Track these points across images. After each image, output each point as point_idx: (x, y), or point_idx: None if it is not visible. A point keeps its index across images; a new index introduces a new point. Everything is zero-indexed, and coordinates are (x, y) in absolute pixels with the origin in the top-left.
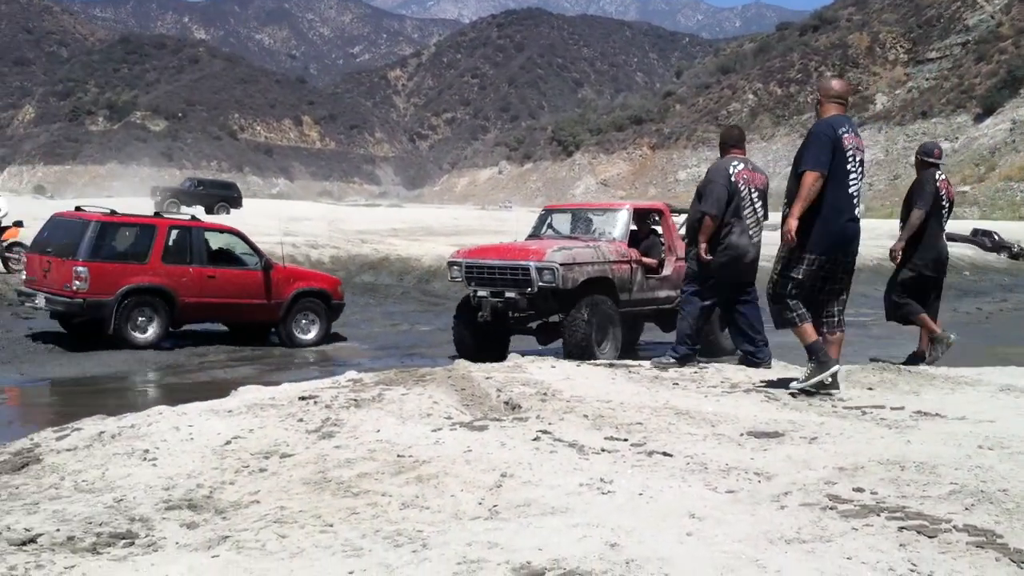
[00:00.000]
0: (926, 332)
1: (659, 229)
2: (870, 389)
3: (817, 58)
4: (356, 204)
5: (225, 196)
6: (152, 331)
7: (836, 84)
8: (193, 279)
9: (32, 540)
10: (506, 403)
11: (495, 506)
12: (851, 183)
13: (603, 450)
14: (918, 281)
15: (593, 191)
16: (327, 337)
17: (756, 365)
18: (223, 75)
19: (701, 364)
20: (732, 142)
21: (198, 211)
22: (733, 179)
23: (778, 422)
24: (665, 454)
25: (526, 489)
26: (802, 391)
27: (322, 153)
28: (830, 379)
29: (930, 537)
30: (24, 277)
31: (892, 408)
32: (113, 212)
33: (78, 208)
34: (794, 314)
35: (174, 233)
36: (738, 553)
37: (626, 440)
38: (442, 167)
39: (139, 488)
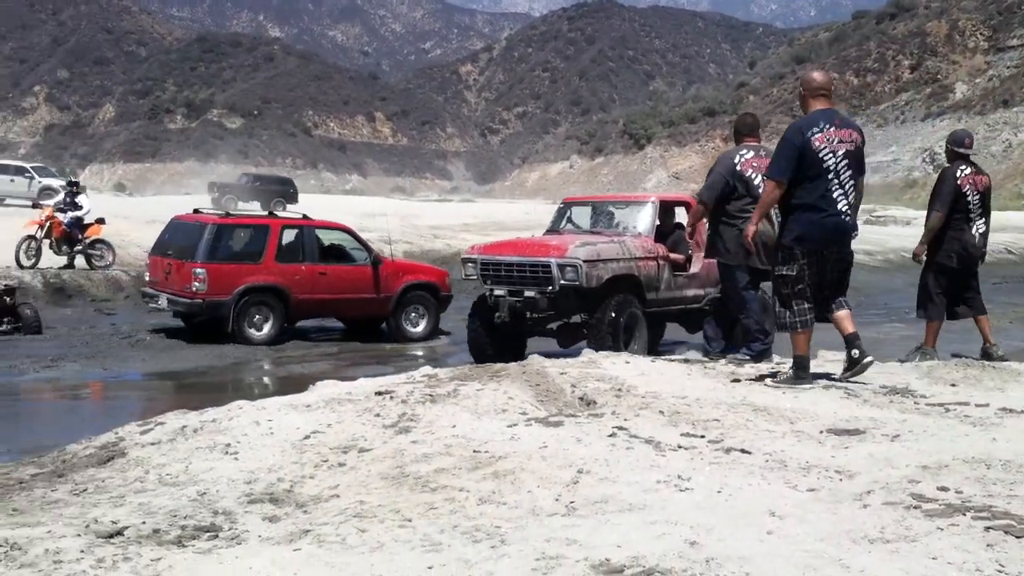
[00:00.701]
0: (929, 334)
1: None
2: (953, 385)
3: (894, 47)
4: (428, 199)
5: (281, 191)
6: (268, 328)
7: (818, 76)
8: (305, 276)
9: (119, 532)
10: (581, 399)
11: (572, 502)
12: (831, 181)
13: (680, 447)
14: (945, 275)
15: (665, 184)
16: (436, 330)
17: (761, 356)
18: (297, 72)
19: (778, 361)
20: (745, 130)
21: (254, 207)
22: (739, 168)
23: (859, 419)
24: (743, 451)
25: (603, 486)
26: (776, 383)
27: (394, 149)
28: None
29: (1018, 537)
30: (147, 278)
31: (976, 405)
32: (228, 214)
33: (195, 211)
34: (796, 320)
35: (287, 232)
36: (820, 552)
37: (703, 437)
38: (513, 161)
39: (221, 482)
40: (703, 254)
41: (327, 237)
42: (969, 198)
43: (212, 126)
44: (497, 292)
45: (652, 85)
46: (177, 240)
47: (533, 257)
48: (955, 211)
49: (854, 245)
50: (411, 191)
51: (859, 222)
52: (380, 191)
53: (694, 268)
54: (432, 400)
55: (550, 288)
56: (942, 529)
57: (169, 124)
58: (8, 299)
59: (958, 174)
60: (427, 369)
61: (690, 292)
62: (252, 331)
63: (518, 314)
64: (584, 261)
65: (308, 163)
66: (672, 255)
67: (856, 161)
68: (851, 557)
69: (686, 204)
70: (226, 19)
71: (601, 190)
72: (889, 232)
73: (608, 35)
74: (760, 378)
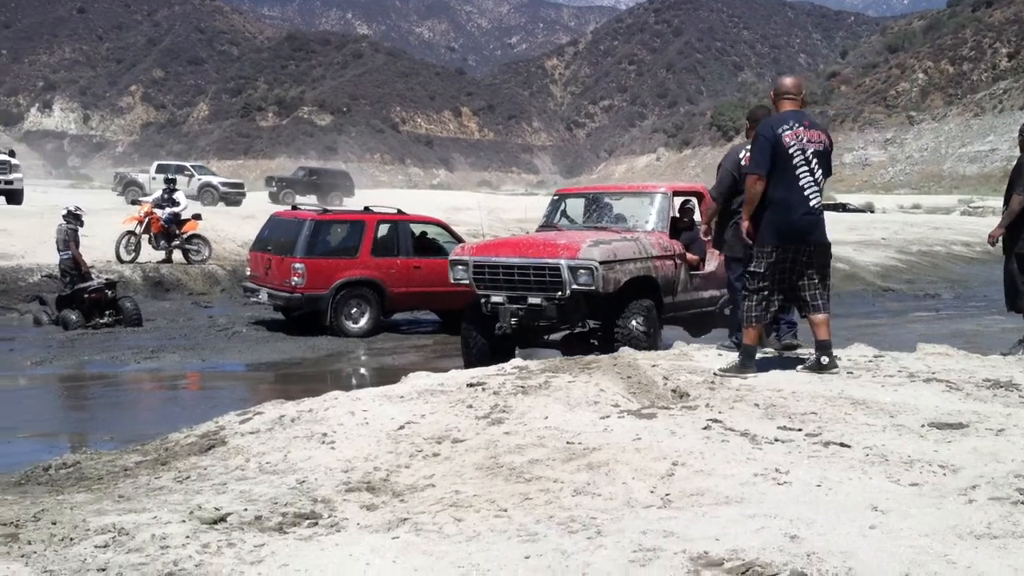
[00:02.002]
0: None
1: (698, 217)
2: None
3: (991, 34)
4: (514, 193)
5: (338, 184)
6: (364, 321)
7: (788, 81)
8: (400, 270)
9: (222, 519)
10: (673, 391)
11: (667, 495)
12: (801, 177)
13: (777, 440)
14: None
15: None
16: None
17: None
18: (385, 69)
19: (876, 354)
20: (755, 123)
21: (311, 200)
22: (743, 163)
23: (961, 413)
24: (842, 445)
25: (698, 478)
26: (723, 373)
27: (481, 143)
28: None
29: None
30: (248, 273)
31: None
32: (325, 211)
33: (294, 207)
34: (753, 315)
35: (382, 227)
36: (925, 548)
37: (800, 430)
38: (599, 155)
39: (320, 470)
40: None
41: (421, 231)
42: None
43: (302, 123)
44: (495, 299)
45: (740, 76)
46: (276, 236)
47: (539, 259)
48: None
49: (952, 236)
50: (497, 185)
51: (957, 213)
52: (466, 185)
53: (709, 267)
54: (524, 392)
55: (559, 294)
56: None
57: (261, 121)
58: (110, 292)
59: None
60: (518, 361)
61: (706, 294)
62: (349, 324)
63: (522, 324)
64: (601, 263)
65: (396, 158)
66: (688, 254)
67: (825, 162)
68: (957, 553)
69: (699, 195)
70: (315, 17)
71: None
72: (988, 223)
73: (695, 26)
74: (950, 373)
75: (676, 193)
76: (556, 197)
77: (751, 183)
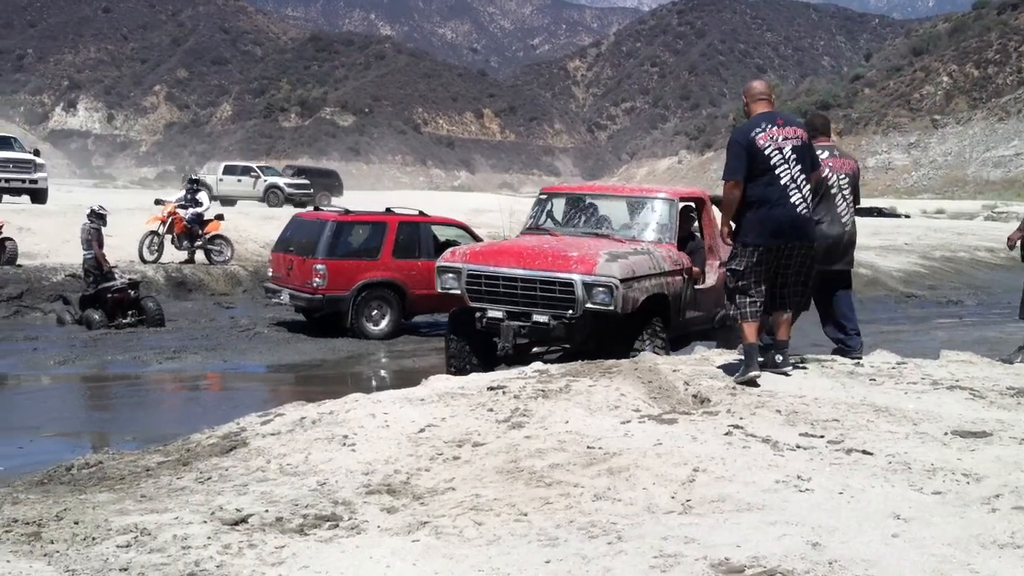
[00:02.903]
0: None
1: (695, 224)
2: None
3: (1017, 37)
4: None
5: (327, 184)
6: (385, 323)
7: (757, 84)
8: (421, 272)
9: (244, 520)
10: (694, 396)
11: (688, 501)
12: (781, 175)
13: (798, 447)
14: None
15: None
16: None
17: (846, 354)
18: (407, 70)
19: (898, 360)
20: (818, 131)
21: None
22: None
23: (985, 421)
24: (865, 452)
25: (719, 485)
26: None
27: (502, 145)
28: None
29: None
30: (270, 274)
31: None
32: (347, 212)
33: (316, 208)
34: (739, 311)
35: (403, 229)
36: (948, 556)
37: (822, 437)
38: (620, 157)
39: (340, 472)
40: (717, 262)
41: (443, 233)
42: None
43: (325, 124)
44: (492, 314)
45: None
46: (298, 237)
47: (548, 271)
48: None
49: (975, 241)
50: (518, 187)
51: (980, 218)
52: (487, 187)
53: (709, 280)
54: (544, 396)
55: (570, 312)
56: None
57: (283, 122)
58: (133, 292)
59: None
60: (538, 365)
61: (704, 312)
62: (370, 325)
63: (524, 344)
64: (621, 280)
65: (417, 160)
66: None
67: (805, 156)
68: (980, 562)
69: (699, 200)
70: (339, 18)
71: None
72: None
73: (718, 28)
74: (973, 381)
75: (682, 199)
76: (543, 196)
77: (728, 189)
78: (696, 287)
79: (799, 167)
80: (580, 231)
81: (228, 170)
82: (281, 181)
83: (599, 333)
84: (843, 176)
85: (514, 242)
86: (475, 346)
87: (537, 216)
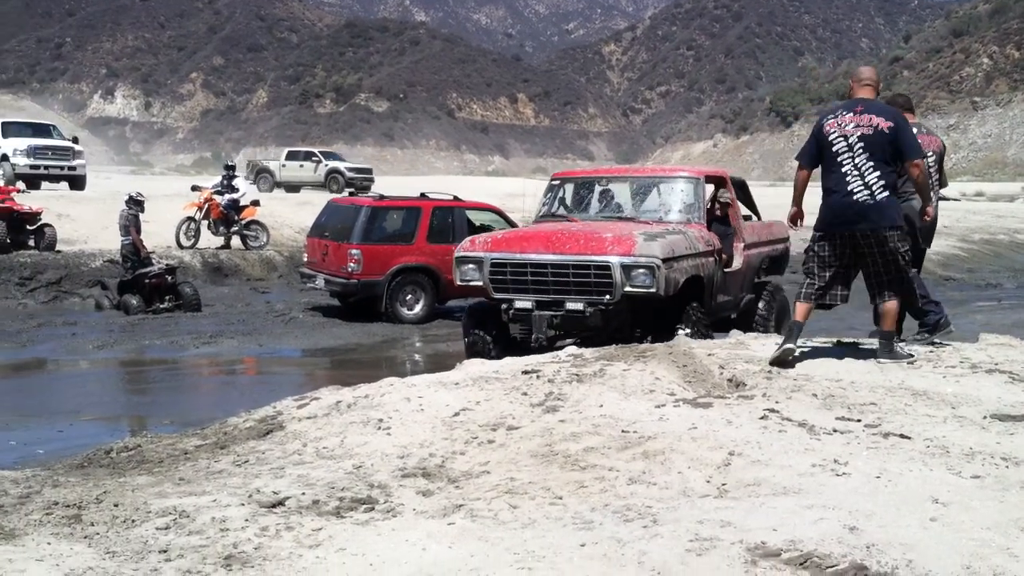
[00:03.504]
0: None
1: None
2: None
3: None
4: None
5: None
6: (420, 307)
7: (863, 70)
8: None
9: (281, 503)
10: (730, 380)
11: (724, 484)
12: (843, 163)
13: (835, 431)
14: None
15: None
16: None
17: (936, 327)
18: (442, 56)
19: (939, 343)
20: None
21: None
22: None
23: None
24: (902, 436)
25: (755, 468)
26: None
27: (536, 130)
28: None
29: None
30: (305, 259)
31: None
32: (382, 197)
33: (351, 193)
34: (801, 290)
35: (438, 214)
36: (987, 540)
37: (859, 421)
38: (655, 141)
39: (376, 456)
40: (742, 244)
41: (477, 218)
42: None
43: (359, 110)
44: (520, 304)
45: (801, 61)
46: (333, 222)
47: (582, 255)
48: None
49: (1015, 224)
50: (552, 171)
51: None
52: (521, 172)
53: (736, 263)
54: (579, 380)
55: (607, 298)
56: None
57: (319, 108)
58: (170, 278)
59: None
60: (573, 349)
61: (732, 296)
62: (404, 310)
63: (557, 335)
64: (663, 260)
65: (451, 145)
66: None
67: (878, 145)
68: (1020, 546)
69: (721, 181)
70: (373, 4)
71: (746, 169)
72: None
73: (755, 11)
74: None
75: (708, 179)
76: (556, 182)
77: (796, 172)
78: (727, 271)
79: (865, 155)
80: (600, 216)
81: (291, 155)
82: (342, 166)
83: (636, 320)
84: (930, 153)
85: (538, 227)
86: (497, 341)
87: (551, 203)
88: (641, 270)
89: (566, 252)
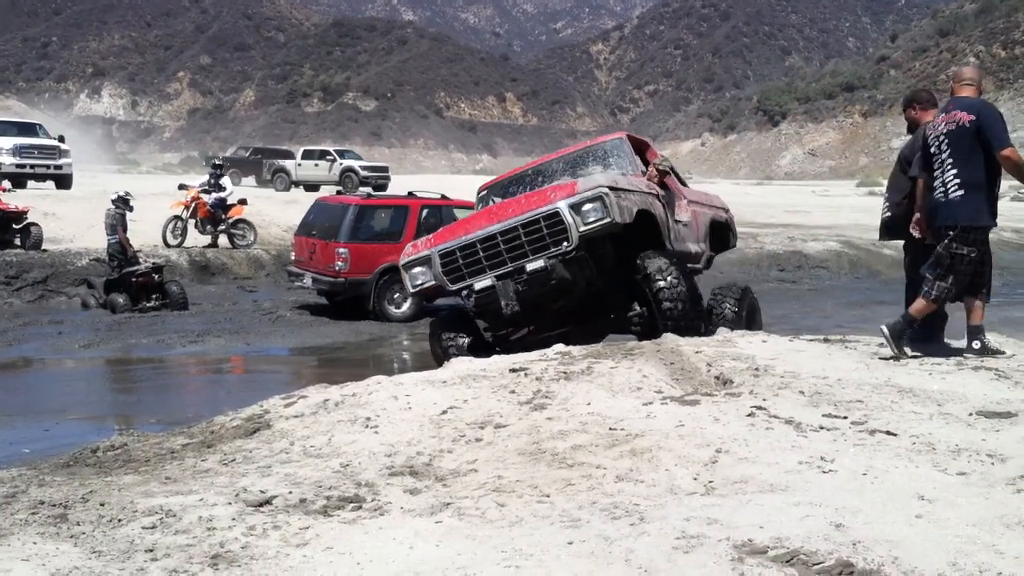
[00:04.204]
0: None
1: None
2: None
3: None
4: None
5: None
6: (407, 306)
7: (964, 70)
8: None
9: (268, 501)
10: (717, 378)
11: (711, 482)
12: (935, 164)
13: (821, 428)
14: None
15: (800, 161)
16: None
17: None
18: (430, 55)
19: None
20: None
21: (251, 180)
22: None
23: (1010, 402)
24: (889, 433)
25: (742, 466)
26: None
27: (524, 129)
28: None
29: None
30: (292, 258)
31: None
32: (370, 195)
33: (339, 192)
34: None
35: (426, 212)
36: (972, 537)
37: (846, 418)
38: None
39: (363, 454)
40: (685, 201)
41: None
42: None
43: (347, 109)
44: (480, 284)
45: (788, 60)
46: (321, 221)
47: (527, 213)
48: None
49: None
50: None
51: (1007, 199)
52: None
53: (681, 215)
54: (566, 377)
55: (566, 245)
56: None
57: (306, 107)
58: (157, 276)
59: None
60: (560, 347)
61: (692, 247)
62: (392, 308)
63: (528, 301)
64: (609, 188)
65: (439, 144)
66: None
67: (959, 139)
68: (1005, 543)
69: (645, 144)
70: (361, 3)
71: (733, 168)
72: None
73: (743, 10)
74: (998, 361)
75: (633, 140)
76: (483, 193)
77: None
78: (678, 220)
79: (948, 152)
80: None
81: (306, 155)
82: (357, 165)
83: (603, 271)
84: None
85: (476, 211)
86: (470, 346)
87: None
88: (591, 204)
89: (511, 216)
